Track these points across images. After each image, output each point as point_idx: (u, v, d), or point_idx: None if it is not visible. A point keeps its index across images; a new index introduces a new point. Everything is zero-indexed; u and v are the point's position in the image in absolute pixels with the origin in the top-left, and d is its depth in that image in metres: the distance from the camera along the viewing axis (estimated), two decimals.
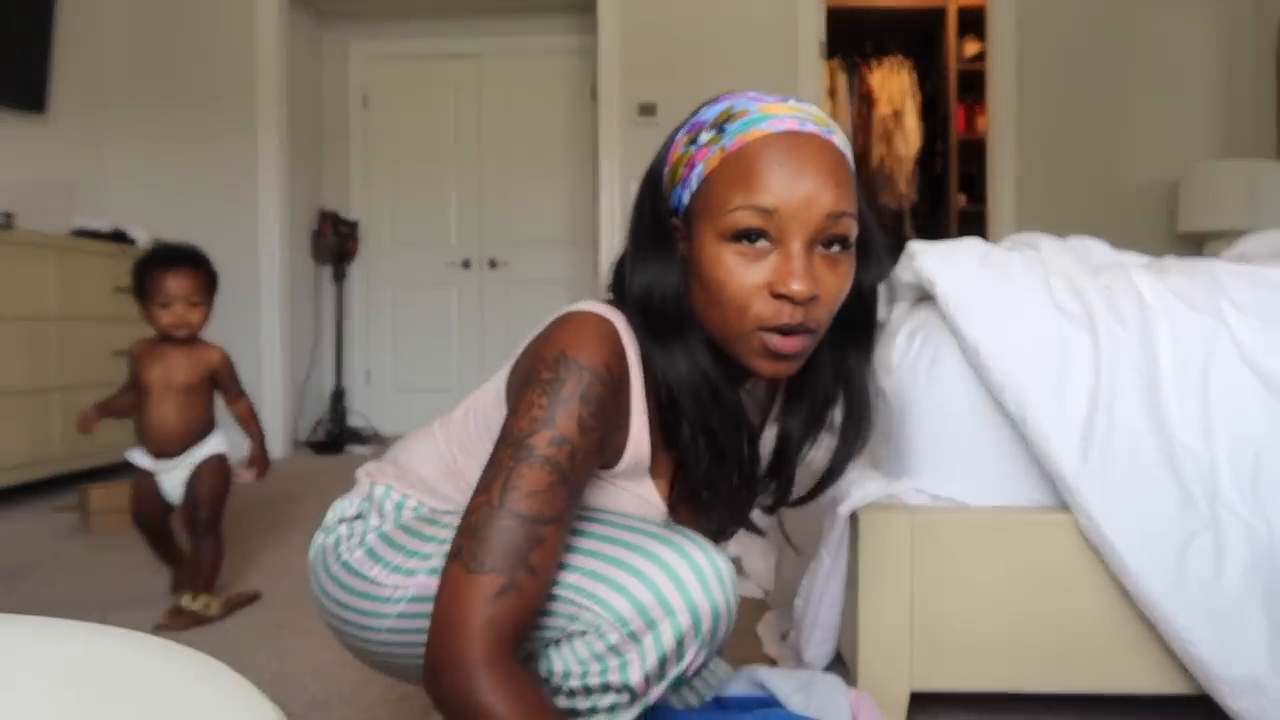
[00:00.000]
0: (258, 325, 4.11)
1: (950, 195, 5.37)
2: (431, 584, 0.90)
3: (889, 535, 1.29)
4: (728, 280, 0.82)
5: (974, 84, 5.02)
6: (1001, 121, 3.92)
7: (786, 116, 0.84)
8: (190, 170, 4.13)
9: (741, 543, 2.00)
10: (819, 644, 1.37)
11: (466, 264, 4.81)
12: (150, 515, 1.90)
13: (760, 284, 0.82)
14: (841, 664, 1.40)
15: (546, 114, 4.72)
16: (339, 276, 4.65)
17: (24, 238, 3.12)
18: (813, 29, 3.91)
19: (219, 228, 3.87)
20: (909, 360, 1.34)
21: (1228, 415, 1.25)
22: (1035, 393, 1.25)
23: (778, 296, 0.81)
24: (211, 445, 1.92)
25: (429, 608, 0.88)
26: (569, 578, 0.85)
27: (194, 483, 1.89)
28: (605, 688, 0.84)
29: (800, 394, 0.98)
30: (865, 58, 5.47)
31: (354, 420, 4.64)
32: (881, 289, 0.96)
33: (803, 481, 1.07)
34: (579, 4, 4.32)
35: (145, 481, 1.89)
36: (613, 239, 3.94)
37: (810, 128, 0.84)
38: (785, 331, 0.82)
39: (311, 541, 1.06)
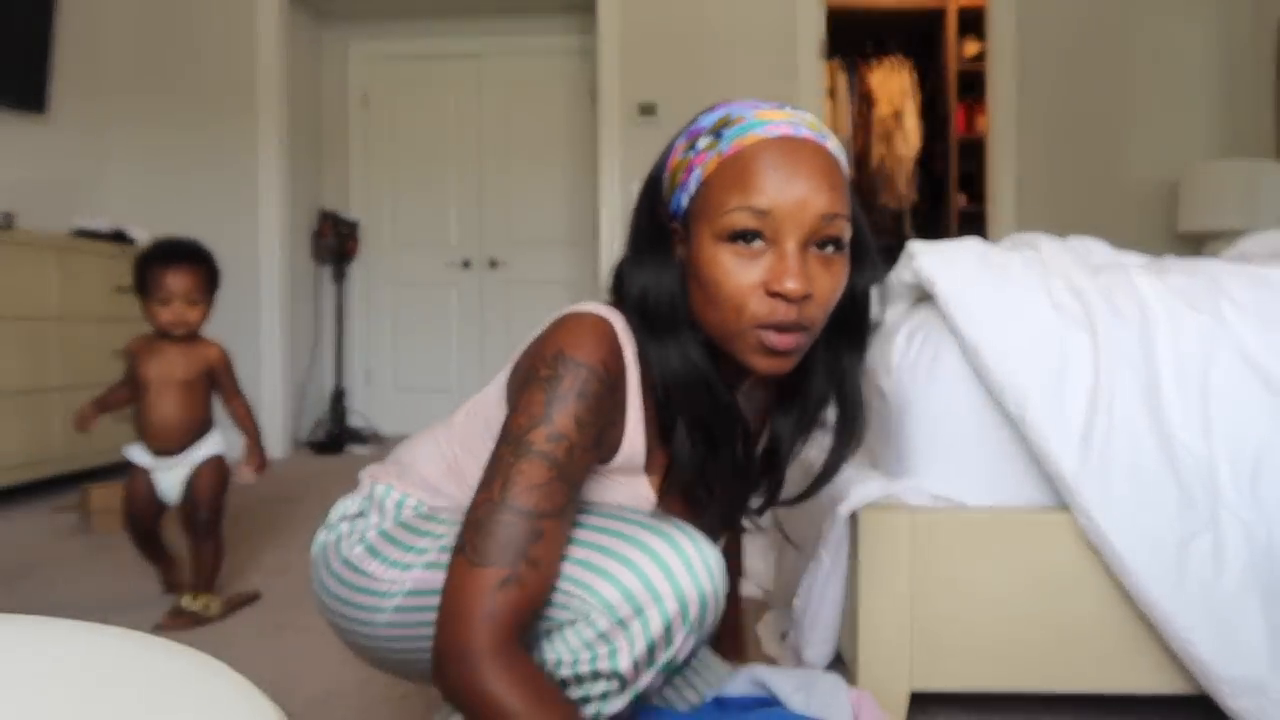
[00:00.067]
0: (258, 325, 4.11)
1: (950, 195, 5.37)
2: (427, 577, 0.94)
3: (889, 535, 1.29)
4: (724, 280, 0.85)
5: (974, 84, 5.02)
6: (1001, 121, 3.92)
7: (782, 122, 0.87)
8: (190, 170, 4.13)
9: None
10: (819, 644, 1.37)
11: (466, 264, 4.81)
12: (143, 514, 1.90)
13: (756, 283, 0.84)
14: (841, 664, 1.40)
15: (546, 114, 4.72)
16: (339, 276, 4.65)
17: (24, 238, 3.12)
18: (813, 29, 3.91)
19: (219, 228, 3.86)
20: (909, 360, 1.34)
21: (1228, 415, 1.25)
22: (1035, 393, 1.25)
23: (773, 295, 0.84)
24: (210, 445, 1.92)
25: (425, 601, 0.91)
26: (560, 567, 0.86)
27: (193, 483, 1.89)
28: (596, 675, 0.85)
29: (793, 395, 1.00)
30: (865, 58, 5.47)
31: (354, 420, 4.64)
32: (875, 291, 0.97)
33: (797, 480, 1.08)
34: (579, 4, 4.32)
35: (141, 479, 1.89)
36: (613, 239, 3.94)
37: (804, 133, 0.87)
38: (781, 329, 0.84)
39: (313, 539, 1.08)
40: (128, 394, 1.91)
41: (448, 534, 0.96)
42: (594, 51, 4.14)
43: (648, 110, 3.93)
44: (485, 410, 0.98)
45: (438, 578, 0.90)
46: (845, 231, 0.87)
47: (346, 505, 1.06)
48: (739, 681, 1.17)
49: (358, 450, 4.30)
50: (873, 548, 1.29)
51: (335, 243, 4.55)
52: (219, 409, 1.96)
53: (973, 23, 4.98)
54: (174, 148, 4.13)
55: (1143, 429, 1.24)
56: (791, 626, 1.44)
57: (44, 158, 3.75)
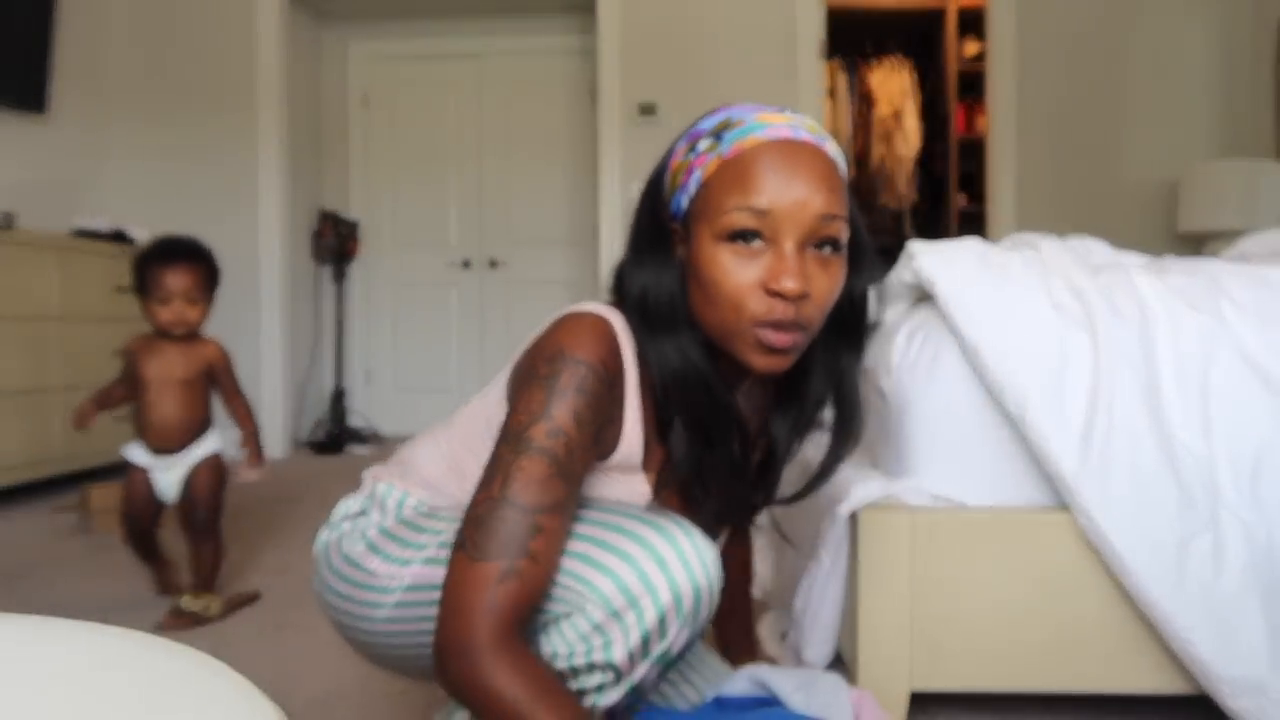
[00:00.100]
0: (258, 325, 4.11)
1: (950, 195, 5.37)
2: (426, 573, 0.95)
3: (889, 535, 1.29)
4: (724, 279, 0.86)
5: (974, 84, 5.03)
6: (1001, 121, 3.92)
7: (781, 125, 0.88)
8: (190, 170, 4.13)
9: None
10: (819, 644, 1.37)
11: (466, 264, 4.81)
12: (141, 514, 1.89)
13: (754, 282, 0.86)
14: (841, 664, 1.40)
15: (546, 114, 4.72)
16: (339, 276, 4.65)
17: (24, 238, 3.12)
18: (812, 29, 3.91)
19: (219, 228, 3.85)
20: (909, 360, 1.34)
21: (1228, 415, 1.25)
22: (1035, 393, 1.25)
23: (771, 293, 0.85)
24: (208, 445, 1.91)
25: (424, 596, 0.93)
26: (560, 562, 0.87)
27: (191, 483, 1.88)
28: (591, 667, 0.86)
29: (791, 397, 1.02)
30: (865, 58, 5.47)
31: (354, 420, 4.63)
32: (872, 292, 0.99)
33: (795, 479, 1.09)
34: (579, 4, 4.32)
35: (139, 478, 1.88)
36: (613, 239, 3.94)
37: (804, 135, 0.88)
38: (778, 327, 0.86)
39: (316, 538, 1.09)
40: (125, 392, 1.90)
41: (447, 530, 0.97)
42: (594, 51, 4.14)
43: (648, 110, 3.93)
44: (486, 410, 0.99)
45: (437, 573, 0.91)
46: (843, 233, 0.88)
47: (349, 504, 1.08)
48: (739, 681, 1.17)
49: (358, 450, 4.30)
50: (873, 548, 1.29)
51: (335, 243, 4.55)
52: (218, 409, 1.95)
53: (973, 23, 4.98)
54: (174, 147, 4.13)
55: (1143, 429, 1.24)
56: (791, 626, 1.44)
57: (44, 158, 3.75)
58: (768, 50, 3.92)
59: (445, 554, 0.89)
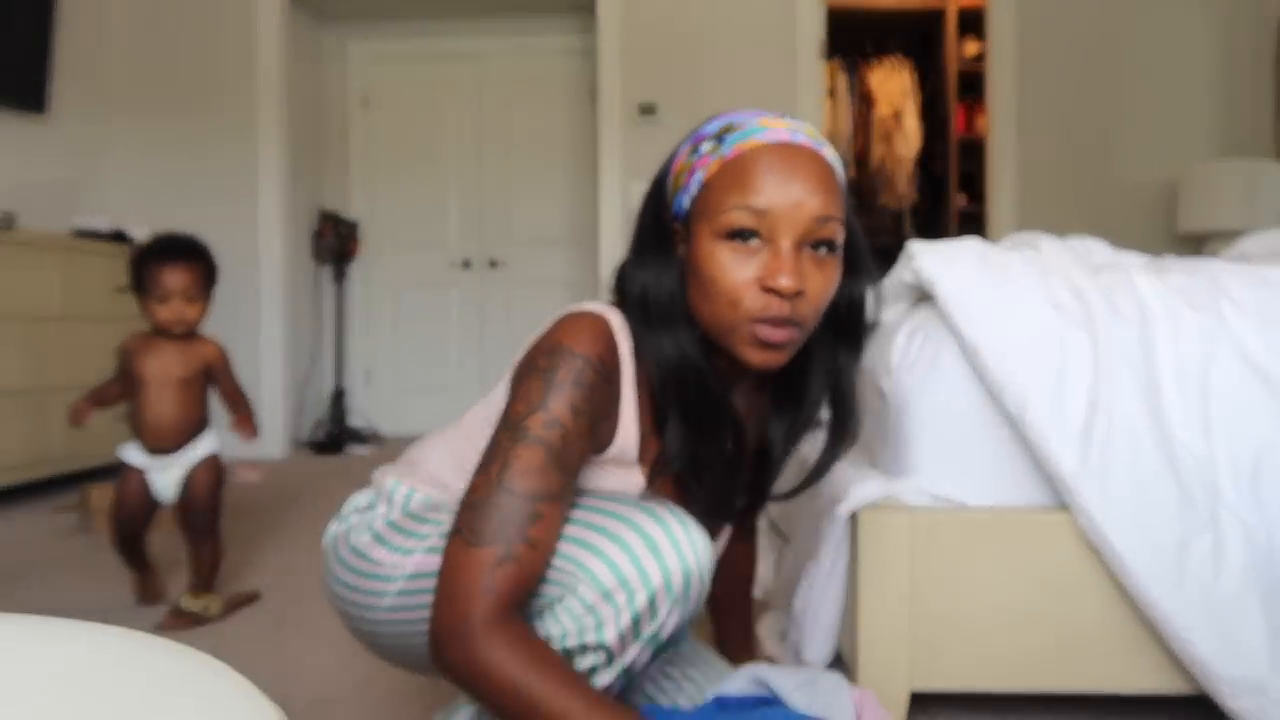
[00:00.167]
0: (258, 325, 4.11)
1: (950, 195, 5.37)
2: (428, 561, 0.98)
3: (889, 535, 1.29)
4: (721, 276, 0.89)
5: (974, 84, 5.03)
6: (1001, 121, 3.92)
7: (781, 129, 0.92)
8: (190, 170, 4.13)
9: None
10: (819, 644, 1.37)
11: (466, 264, 4.81)
12: (134, 515, 1.87)
13: (751, 279, 0.89)
14: (841, 664, 1.40)
15: (546, 114, 4.72)
16: (339, 277, 4.65)
17: (25, 238, 3.12)
18: (812, 29, 3.91)
19: (219, 228, 3.84)
20: (909, 360, 1.34)
21: (1228, 415, 1.25)
22: (1035, 393, 1.25)
23: (767, 290, 0.88)
24: (205, 445, 1.90)
25: (426, 584, 0.95)
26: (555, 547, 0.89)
27: (189, 483, 1.87)
28: (584, 649, 0.87)
29: (790, 399, 1.04)
30: (865, 58, 5.47)
31: (354, 420, 4.63)
32: (870, 294, 1.02)
33: (792, 475, 1.12)
34: (579, 4, 4.32)
35: (134, 478, 1.86)
36: (613, 239, 3.94)
37: (802, 139, 0.92)
38: (774, 323, 0.88)
39: (326, 530, 1.13)
40: (120, 391, 1.88)
41: (449, 522, 0.98)
42: (594, 51, 4.14)
43: (648, 110, 3.93)
44: (491, 410, 1.01)
45: (438, 562, 0.93)
46: (838, 234, 0.91)
47: (358, 499, 1.11)
48: (739, 680, 1.17)
49: (358, 450, 4.30)
50: (873, 548, 1.29)
51: (335, 243, 4.55)
52: (216, 409, 1.94)
53: (973, 23, 4.99)
54: (174, 148, 4.13)
55: (1143, 429, 1.24)
56: (791, 626, 1.44)
57: (44, 158, 3.75)
58: (768, 50, 3.92)
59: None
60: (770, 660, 1.44)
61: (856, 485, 1.31)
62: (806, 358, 1.01)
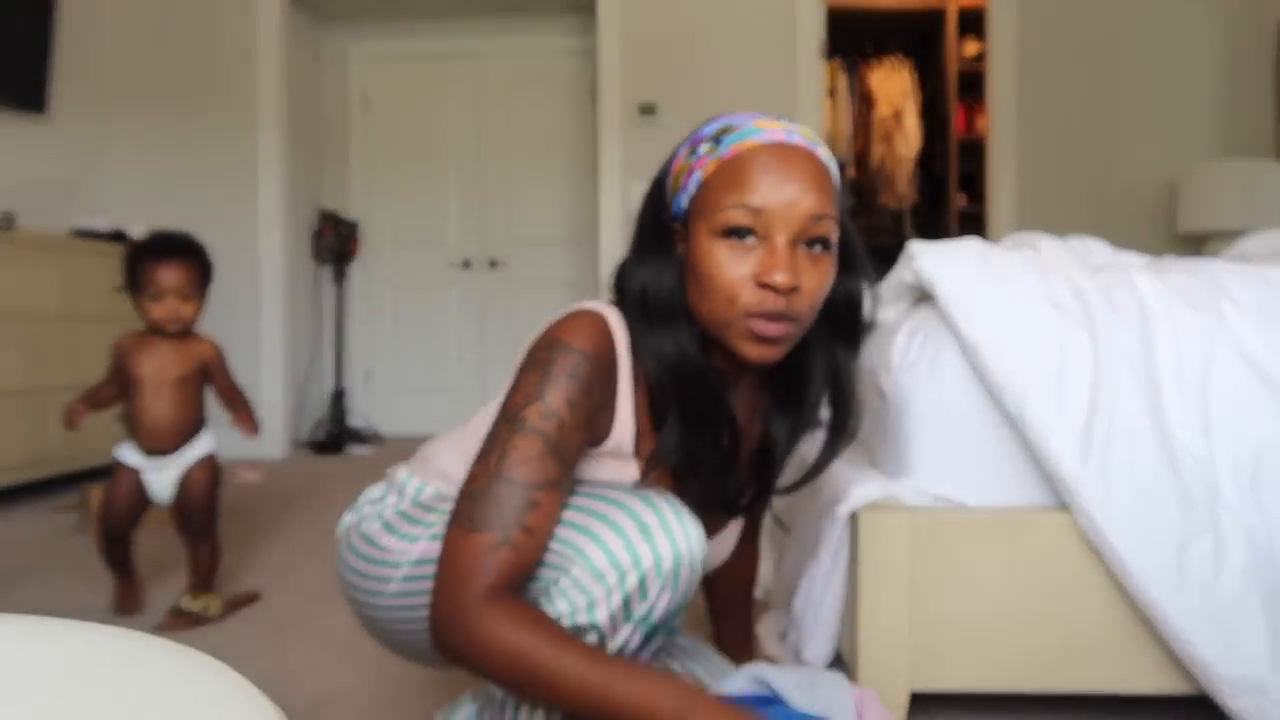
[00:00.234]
0: (257, 325, 4.11)
1: (950, 195, 5.37)
2: (433, 548, 1.01)
3: (889, 535, 1.29)
4: (718, 272, 0.91)
5: (974, 84, 5.03)
6: (1001, 121, 3.92)
7: (777, 130, 0.94)
8: (190, 170, 4.13)
9: None
10: (819, 643, 1.37)
11: (466, 264, 4.81)
12: (124, 516, 1.84)
13: (748, 275, 0.91)
14: (841, 664, 1.40)
15: (546, 114, 4.72)
16: (339, 277, 4.65)
17: (25, 238, 3.12)
18: (812, 29, 3.91)
19: (219, 228, 3.86)
20: (909, 360, 1.34)
21: (1228, 415, 1.24)
22: (1035, 393, 1.25)
23: (763, 286, 0.90)
24: (202, 445, 1.89)
25: (430, 570, 0.98)
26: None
27: (187, 484, 1.86)
28: (576, 629, 0.89)
29: (791, 399, 1.06)
30: (865, 58, 5.47)
31: (354, 420, 4.63)
32: (868, 293, 1.04)
33: (791, 472, 1.14)
34: (579, 4, 4.32)
35: (127, 479, 1.84)
36: (613, 239, 3.94)
37: (797, 140, 0.94)
38: (770, 318, 0.91)
39: (339, 520, 1.16)
40: (115, 391, 1.86)
41: None
42: (594, 51, 4.14)
43: (648, 110, 3.93)
44: (494, 409, 1.02)
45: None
46: (832, 233, 0.93)
47: (371, 491, 1.15)
48: (740, 679, 1.17)
49: (358, 450, 4.30)
50: (873, 548, 1.29)
51: (335, 243, 4.55)
52: (214, 409, 1.93)
53: (973, 23, 4.99)
54: (174, 148, 4.13)
55: (1143, 429, 1.24)
56: (791, 626, 1.44)
57: (44, 158, 3.75)
58: (768, 50, 3.92)
59: None
60: (770, 660, 1.44)
61: (856, 485, 1.31)
62: (807, 355, 1.02)
